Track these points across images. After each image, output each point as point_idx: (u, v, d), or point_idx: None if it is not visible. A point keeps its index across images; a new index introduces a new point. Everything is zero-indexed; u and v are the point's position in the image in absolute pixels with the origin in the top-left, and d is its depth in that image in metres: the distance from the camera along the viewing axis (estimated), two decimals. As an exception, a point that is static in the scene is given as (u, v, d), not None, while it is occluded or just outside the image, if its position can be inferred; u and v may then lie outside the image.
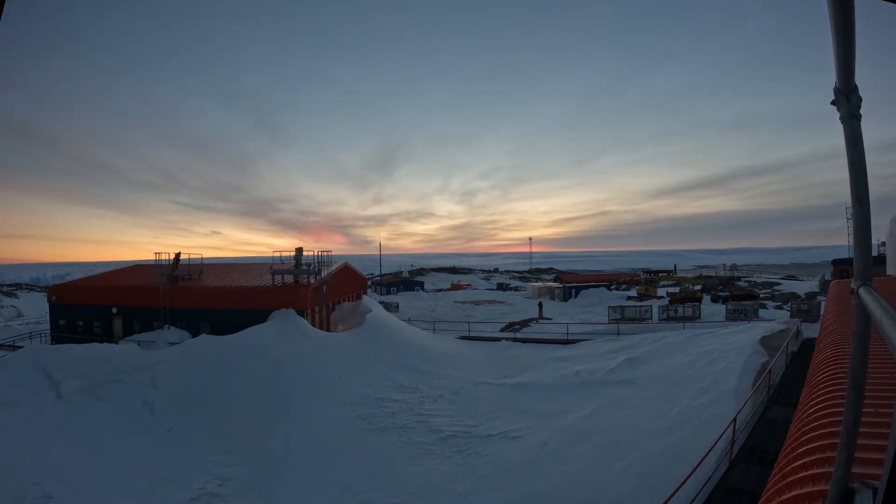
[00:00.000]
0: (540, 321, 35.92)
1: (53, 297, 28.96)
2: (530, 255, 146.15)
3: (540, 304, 42.43)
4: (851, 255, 1.72)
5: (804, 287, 51.99)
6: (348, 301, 32.57)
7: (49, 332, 28.94)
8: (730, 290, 51.26)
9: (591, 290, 55.66)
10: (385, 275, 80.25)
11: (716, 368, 17.13)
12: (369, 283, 51.06)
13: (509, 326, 33.83)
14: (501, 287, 79.38)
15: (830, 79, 1.61)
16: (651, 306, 34.40)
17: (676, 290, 51.15)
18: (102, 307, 27.55)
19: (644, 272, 70.52)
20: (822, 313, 14.74)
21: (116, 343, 24.00)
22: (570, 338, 27.69)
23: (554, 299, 53.41)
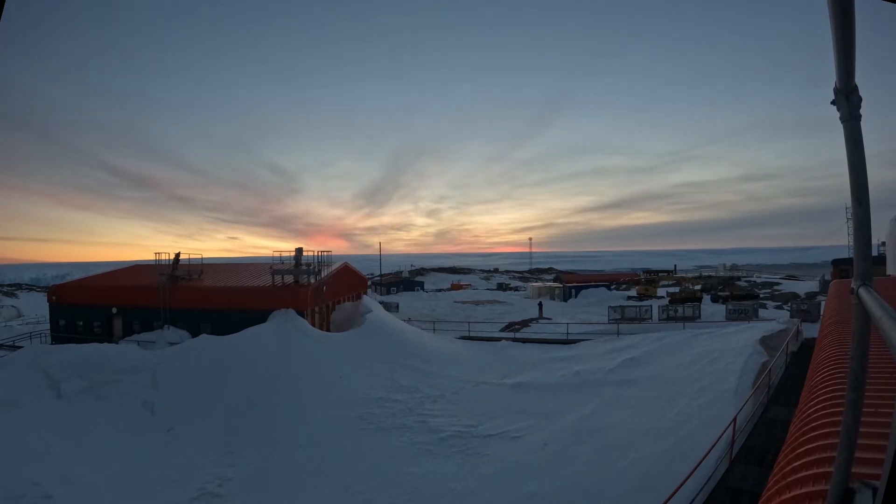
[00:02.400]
0: (540, 321, 35.94)
1: (53, 297, 28.95)
2: (530, 255, 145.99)
3: (540, 304, 42.44)
4: (851, 255, 1.72)
5: (804, 287, 51.96)
6: (348, 301, 32.56)
7: (49, 332, 28.94)
8: (730, 290, 51.26)
9: (591, 290, 55.71)
10: (385, 275, 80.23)
11: (716, 368, 17.13)
12: (369, 283, 51.04)
13: (509, 326, 33.84)
14: (501, 287, 79.41)
15: (830, 79, 1.61)
16: (651, 306, 34.39)
17: (676, 290, 51.15)
18: (102, 307, 27.55)
19: (644, 272, 70.44)
20: (822, 313, 14.73)
21: (116, 343, 23.99)
22: (570, 338, 27.69)
23: (554, 299, 53.44)
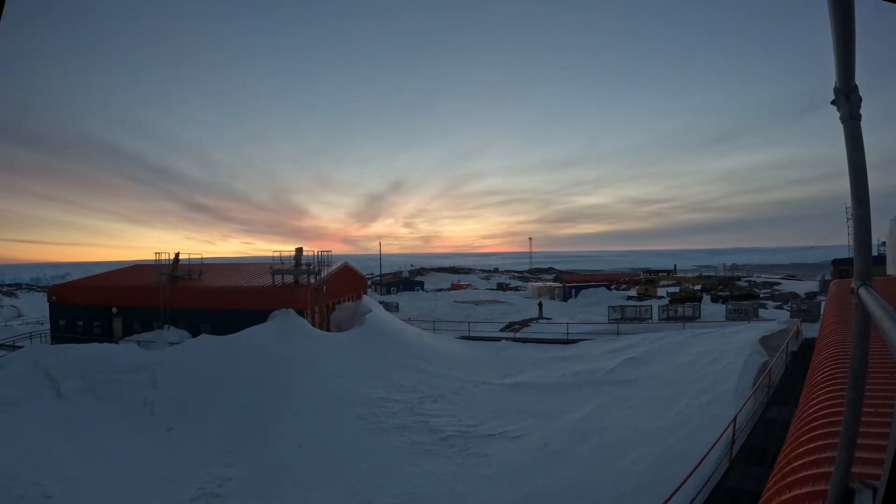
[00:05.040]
0: (540, 321, 35.92)
1: (53, 297, 28.95)
2: (530, 255, 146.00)
3: (540, 304, 42.43)
4: (851, 255, 1.72)
5: (804, 287, 51.99)
6: (348, 301, 32.56)
7: (49, 332, 28.93)
8: (730, 289, 51.25)
9: (591, 289, 55.71)
10: (385, 275, 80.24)
11: (716, 368, 17.12)
12: (369, 283, 51.04)
13: (509, 326, 33.83)
14: (501, 287, 79.43)
15: (830, 79, 1.61)
16: (651, 306, 34.39)
17: (676, 289, 51.15)
18: (102, 307, 27.55)
19: (644, 272, 70.47)
20: (822, 313, 14.72)
21: (116, 343, 23.98)
22: (570, 338, 27.68)
23: (554, 299, 53.46)
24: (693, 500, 9.10)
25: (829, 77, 1.62)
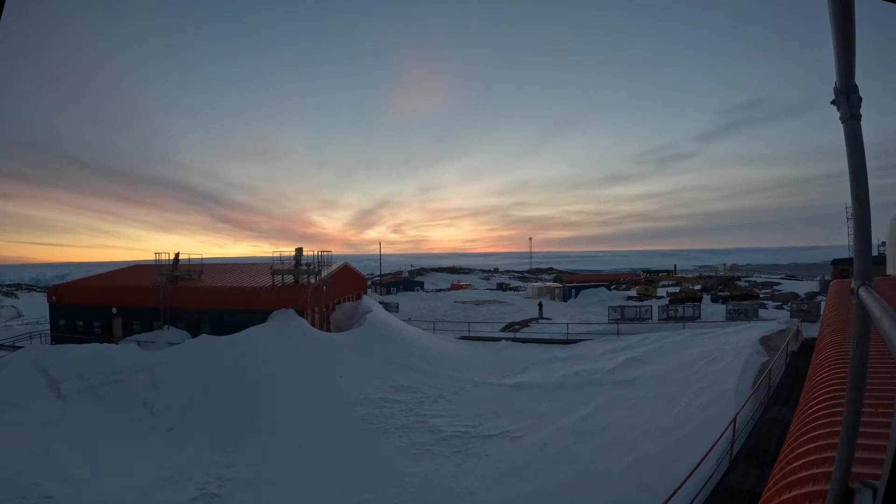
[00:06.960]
0: (540, 321, 35.94)
1: (53, 298, 28.96)
2: (530, 255, 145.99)
3: (540, 304, 42.45)
4: (851, 255, 1.72)
5: (804, 287, 52.00)
6: (348, 301, 32.56)
7: (49, 332, 28.94)
8: (730, 290, 51.26)
9: (591, 290, 55.77)
10: (385, 275, 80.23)
11: (716, 368, 17.12)
12: (369, 283, 51.03)
13: (509, 326, 33.84)
14: (501, 287, 79.39)
15: (830, 79, 1.61)
16: (651, 306, 34.40)
17: (676, 290, 51.17)
18: (102, 307, 27.55)
19: (644, 272, 70.53)
20: (822, 313, 14.73)
21: (116, 343, 24.00)
22: (570, 338, 27.70)
23: (554, 299, 53.45)
24: (693, 500, 9.10)
25: (829, 77, 1.62)
